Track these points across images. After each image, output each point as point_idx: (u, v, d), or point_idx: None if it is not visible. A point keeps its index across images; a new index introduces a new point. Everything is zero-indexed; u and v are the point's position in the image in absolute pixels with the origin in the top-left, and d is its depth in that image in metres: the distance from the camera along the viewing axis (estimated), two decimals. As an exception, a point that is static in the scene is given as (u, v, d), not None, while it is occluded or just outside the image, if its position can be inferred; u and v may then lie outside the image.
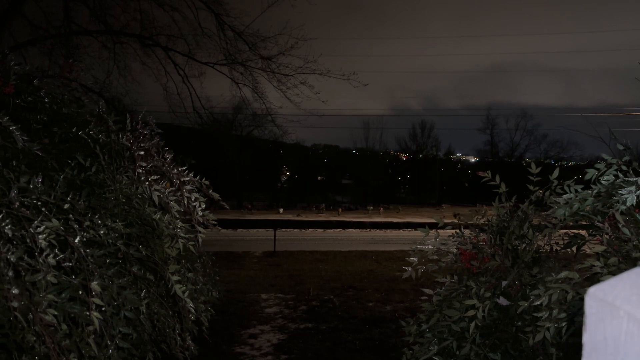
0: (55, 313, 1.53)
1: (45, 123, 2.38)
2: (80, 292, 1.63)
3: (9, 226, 1.56)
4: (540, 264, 2.50)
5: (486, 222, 2.83)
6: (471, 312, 2.31)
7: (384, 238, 22.25)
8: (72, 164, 2.12)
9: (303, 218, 31.19)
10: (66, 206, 1.79)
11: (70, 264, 1.68)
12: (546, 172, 2.64)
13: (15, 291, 1.45)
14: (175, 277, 2.18)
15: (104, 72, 10.71)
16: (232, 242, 17.42)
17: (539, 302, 2.01)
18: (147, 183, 2.32)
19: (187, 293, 2.25)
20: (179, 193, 2.55)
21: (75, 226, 1.77)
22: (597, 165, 2.26)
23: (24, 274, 1.51)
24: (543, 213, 2.64)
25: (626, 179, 2.10)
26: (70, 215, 1.80)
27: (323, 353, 5.93)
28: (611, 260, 1.92)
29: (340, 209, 41.68)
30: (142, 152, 2.47)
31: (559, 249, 2.56)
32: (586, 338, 0.44)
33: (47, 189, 1.78)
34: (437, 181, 55.17)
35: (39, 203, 1.73)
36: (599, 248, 2.04)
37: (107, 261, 1.86)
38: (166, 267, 2.19)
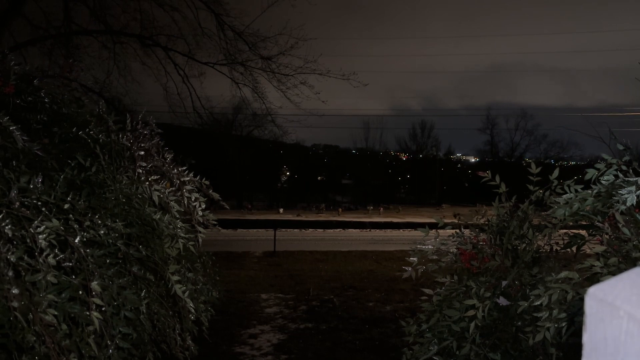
0: (55, 313, 1.53)
1: (45, 123, 2.38)
2: (80, 292, 1.63)
3: (9, 226, 1.56)
4: (540, 264, 2.50)
5: (486, 222, 2.83)
6: (471, 312, 2.31)
7: (384, 238, 22.25)
8: (72, 164, 2.12)
9: (303, 218, 31.18)
10: (66, 206, 1.79)
11: (70, 264, 1.68)
12: (546, 172, 2.64)
13: (15, 291, 1.45)
14: (175, 277, 2.18)
15: (104, 72, 10.72)
16: (232, 242, 17.42)
17: (539, 302, 2.01)
18: (147, 183, 2.32)
19: (187, 293, 2.25)
20: (179, 193, 2.55)
21: (75, 226, 1.77)
22: (597, 165, 2.26)
23: (24, 274, 1.51)
24: (543, 213, 2.64)
25: (626, 179, 2.10)
26: (70, 215, 1.80)
27: (323, 353, 5.93)
28: (611, 260, 1.92)
29: (340, 209, 41.68)
30: (142, 152, 2.47)
31: (559, 249, 2.56)
32: (586, 338, 0.44)
33: (47, 189, 1.78)
34: (437, 181, 55.16)
35: (39, 203, 1.73)
36: (599, 248, 2.04)
37: (107, 261, 1.86)
38: (166, 267, 2.19)
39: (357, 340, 6.43)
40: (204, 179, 2.80)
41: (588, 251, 2.33)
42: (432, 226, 2.88)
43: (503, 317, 2.44)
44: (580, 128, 3.35)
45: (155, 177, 2.43)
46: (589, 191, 2.22)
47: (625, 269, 0.61)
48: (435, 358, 2.50)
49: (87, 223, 1.82)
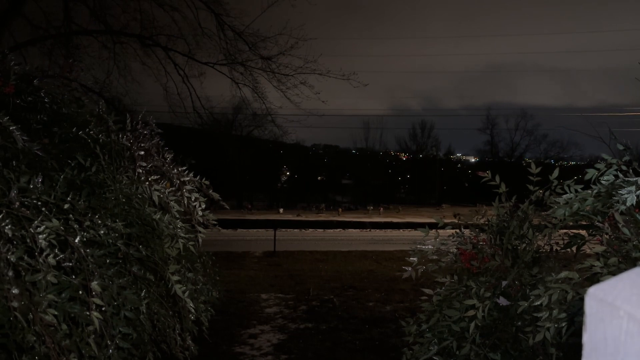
0: (55, 313, 1.53)
1: (45, 123, 2.38)
2: (80, 292, 1.63)
3: (9, 226, 1.56)
4: (540, 264, 2.50)
5: (486, 222, 2.83)
6: (471, 312, 2.31)
7: (384, 238, 22.25)
8: (72, 164, 2.12)
9: (303, 218, 31.18)
10: (66, 206, 1.79)
11: (70, 264, 1.68)
12: (546, 172, 2.64)
13: (15, 291, 1.45)
14: (175, 277, 2.18)
15: (104, 72, 10.72)
16: (232, 242, 17.42)
17: (539, 302, 2.01)
18: (147, 183, 2.32)
19: (187, 293, 2.25)
20: (179, 193, 2.55)
21: (75, 226, 1.77)
22: (597, 165, 2.26)
23: (24, 274, 1.51)
24: (543, 213, 2.64)
25: (626, 179, 2.10)
26: (70, 215, 1.80)
27: (323, 353, 5.93)
28: (611, 260, 1.92)
29: (340, 209, 41.67)
30: (142, 152, 2.47)
31: (559, 249, 2.56)
32: (586, 338, 0.44)
33: (47, 189, 1.78)
34: (437, 181, 55.16)
35: (39, 203, 1.73)
36: (599, 248, 2.04)
37: (107, 261, 1.86)
38: (166, 267, 2.19)
39: (357, 340, 6.43)
40: (204, 179, 2.80)
41: (588, 251, 2.33)
42: (432, 226, 2.88)
43: (503, 317, 2.44)
44: (580, 128, 3.35)
45: (155, 177, 2.43)
46: (589, 191, 2.22)
47: (625, 269, 0.61)
48: (435, 358, 2.50)
49: (87, 223, 1.82)
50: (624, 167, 2.20)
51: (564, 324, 1.93)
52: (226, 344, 6.12)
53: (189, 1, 10.63)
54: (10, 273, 1.48)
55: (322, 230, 25.82)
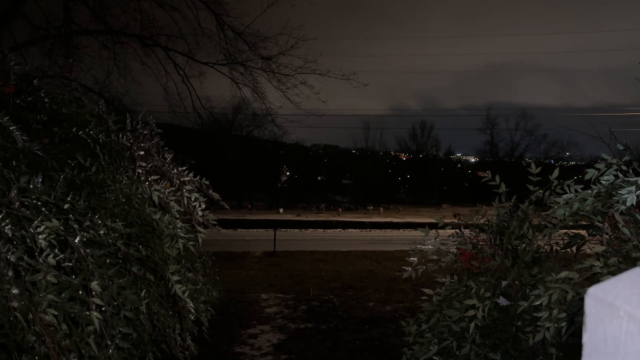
0: (55, 313, 1.53)
1: (45, 123, 2.38)
2: (80, 292, 1.63)
3: (9, 226, 1.56)
4: (540, 264, 2.50)
5: (486, 222, 2.83)
6: (471, 312, 2.31)
7: (384, 238, 22.25)
8: (72, 164, 2.12)
9: (303, 218, 31.18)
10: (66, 206, 1.79)
11: (70, 264, 1.68)
12: (546, 172, 2.64)
13: (15, 291, 1.45)
14: (175, 277, 2.18)
15: (104, 72, 10.72)
16: (232, 242, 17.42)
17: (539, 302, 2.01)
18: (147, 183, 2.32)
19: (187, 293, 2.25)
20: (179, 193, 2.55)
21: (75, 226, 1.77)
22: (597, 165, 2.26)
23: (24, 274, 1.51)
24: (543, 213, 2.64)
25: (626, 179, 2.10)
26: (70, 215, 1.80)
27: (323, 353, 5.93)
28: (611, 260, 1.92)
29: (340, 209, 41.67)
30: (142, 152, 2.47)
31: (559, 249, 2.56)
32: (586, 338, 0.44)
33: (47, 189, 1.78)
34: (437, 181, 55.16)
35: (39, 203, 1.73)
36: (599, 248, 2.04)
37: (107, 261, 1.86)
38: (166, 267, 2.19)
39: (357, 340, 6.43)
40: (204, 179, 2.80)
41: (588, 251, 2.33)
42: (432, 226, 2.88)
43: (503, 317, 2.44)
44: (580, 128, 3.35)
45: (155, 177, 2.43)
46: (589, 191, 2.22)
47: (625, 269, 0.61)
48: (435, 358, 2.50)
49: (87, 223, 1.81)
50: (624, 167, 2.20)
51: (564, 324, 1.93)
52: (226, 344, 6.12)
53: (189, 1, 10.64)
54: (10, 273, 1.48)
55: (322, 230, 25.82)
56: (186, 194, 2.57)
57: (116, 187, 2.11)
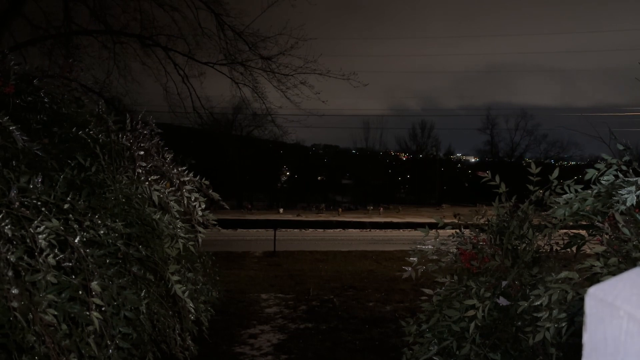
0: (55, 313, 1.53)
1: (45, 123, 2.38)
2: (80, 292, 1.63)
3: (9, 226, 1.55)
4: (540, 264, 2.50)
5: (486, 222, 2.83)
6: (471, 312, 2.31)
7: (384, 238, 22.25)
8: (72, 164, 2.12)
9: (303, 218, 31.18)
10: (66, 206, 1.79)
11: (70, 264, 1.68)
12: (546, 172, 2.64)
13: (15, 291, 1.45)
14: (175, 277, 2.18)
15: (104, 72, 10.72)
16: (232, 242, 17.42)
17: (539, 302, 2.01)
18: (147, 183, 2.31)
19: (187, 293, 2.25)
20: (179, 193, 2.55)
21: (75, 226, 1.77)
22: (597, 165, 2.26)
23: (24, 274, 1.51)
24: (543, 213, 2.64)
25: (626, 179, 2.10)
26: (70, 215, 1.80)
27: (323, 353, 5.93)
28: (611, 260, 1.92)
29: (340, 209, 41.67)
30: (142, 152, 2.47)
31: (559, 249, 2.56)
32: (586, 338, 0.44)
33: (47, 189, 1.78)
34: (437, 181, 55.16)
35: (39, 203, 1.73)
36: (599, 248, 2.04)
37: (107, 261, 1.86)
38: (166, 267, 2.19)
39: (357, 340, 6.43)
40: (204, 179, 2.80)
41: (588, 251, 2.33)
42: (432, 226, 2.88)
43: (503, 317, 2.44)
44: (580, 128, 3.35)
45: (155, 177, 2.43)
46: (589, 191, 2.22)
47: (625, 269, 0.61)
48: (435, 358, 2.50)
49: (87, 223, 1.81)
50: (624, 167, 2.20)
51: (564, 324, 1.93)
52: (226, 344, 6.12)
53: (189, 1, 10.64)
54: (10, 273, 1.48)
55: (322, 230, 25.82)
56: (186, 194, 2.57)
57: (116, 187, 2.11)
